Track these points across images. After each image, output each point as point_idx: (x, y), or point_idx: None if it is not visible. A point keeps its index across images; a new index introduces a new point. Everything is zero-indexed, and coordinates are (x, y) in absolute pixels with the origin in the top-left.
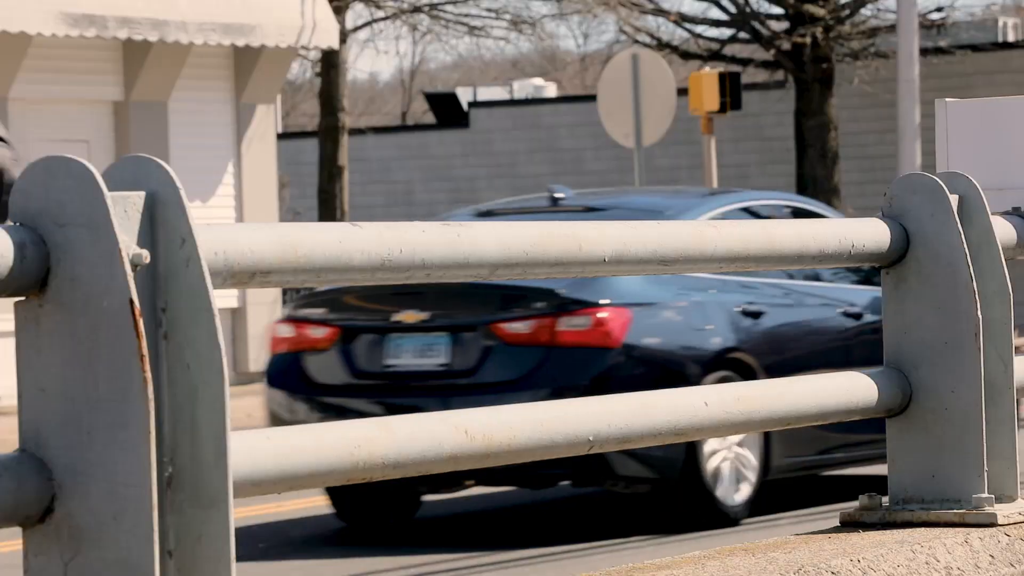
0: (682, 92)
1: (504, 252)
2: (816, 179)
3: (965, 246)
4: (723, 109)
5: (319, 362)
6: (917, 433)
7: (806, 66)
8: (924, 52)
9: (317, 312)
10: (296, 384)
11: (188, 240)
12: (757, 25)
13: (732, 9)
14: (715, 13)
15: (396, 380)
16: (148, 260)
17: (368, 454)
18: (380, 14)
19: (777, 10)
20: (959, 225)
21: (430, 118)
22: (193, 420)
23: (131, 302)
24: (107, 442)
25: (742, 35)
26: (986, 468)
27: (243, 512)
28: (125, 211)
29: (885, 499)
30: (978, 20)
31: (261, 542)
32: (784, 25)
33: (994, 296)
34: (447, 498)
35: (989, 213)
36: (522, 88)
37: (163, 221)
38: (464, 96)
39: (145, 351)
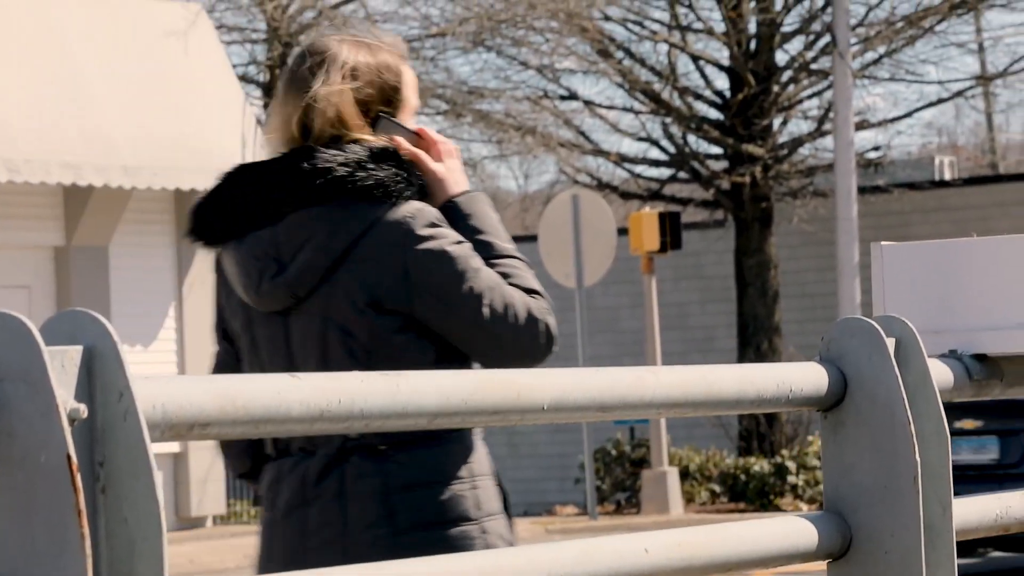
0: (622, 232)
1: (443, 401)
2: (757, 318)
3: (903, 389)
4: (663, 248)
5: None
6: None
7: (745, 205)
8: (862, 190)
9: None
10: None
11: (126, 394)
12: (696, 165)
13: (671, 149)
14: (655, 153)
15: (957, 471)
16: (85, 415)
17: None
18: None
19: (716, 150)
20: (896, 368)
21: None
22: (131, 575)
23: (68, 457)
24: None
25: (682, 175)
26: None
27: None
28: (63, 365)
29: None
30: (915, 159)
31: None
32: (723, 164)
33: (932, 438)
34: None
35: (926, 356)
36: None
37: (100, 375)
38: None
39: (82, 506)
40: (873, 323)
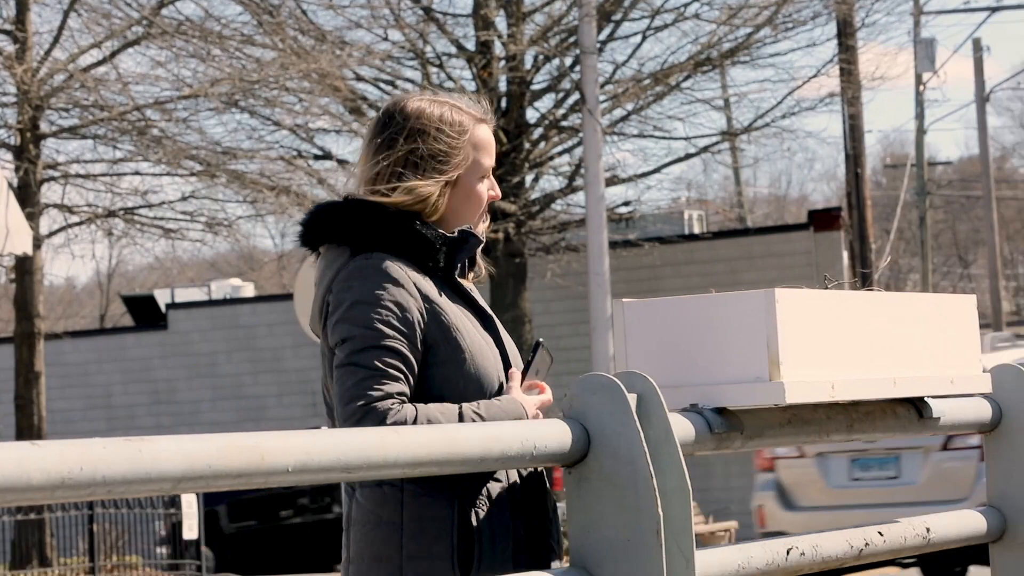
0: None
1: (188, 466)
2: None
3: (644, 444)
4: None
5: None
6: None
7: (499, 261)
8: (613, 245)
9: None
10: None
11: None
12: None
13: None
14: None
15: None
16: None
17: None
18: (75, 219)
19: None
20: (638, 424)
21: (128, 320)
22: None
23: None
24: None
25: None
26: None
27: None
28: None
29: None
30: (665, 213)
31: None
32: None
33: (674, 493)
34: None
35: (667, 411)
36: (220, 288)
37: None
38: (162, 298)
39: None
40: (615, 379)
